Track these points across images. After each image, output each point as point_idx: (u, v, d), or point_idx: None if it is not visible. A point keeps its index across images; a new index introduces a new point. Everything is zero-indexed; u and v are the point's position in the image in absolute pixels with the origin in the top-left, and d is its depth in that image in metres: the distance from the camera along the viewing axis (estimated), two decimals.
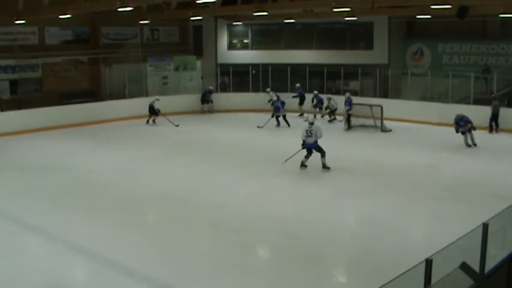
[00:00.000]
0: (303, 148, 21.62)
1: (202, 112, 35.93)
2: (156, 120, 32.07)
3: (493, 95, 30.15)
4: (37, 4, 27.09)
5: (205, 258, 13.35)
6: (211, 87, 36.20)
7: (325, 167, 21.45)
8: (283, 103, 31.24)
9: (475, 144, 25.73)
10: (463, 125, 25.76)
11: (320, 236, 14.75)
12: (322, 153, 21.41)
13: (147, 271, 12.46)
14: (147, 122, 32.28)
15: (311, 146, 21.49)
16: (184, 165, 22.79)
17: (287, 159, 21.85)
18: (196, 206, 17.29)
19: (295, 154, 21.76)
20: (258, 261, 13.98)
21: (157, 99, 32.08)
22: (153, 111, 32.08)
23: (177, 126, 29.99)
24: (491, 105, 29.06)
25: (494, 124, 29.00)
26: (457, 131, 25.88)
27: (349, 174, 21.34)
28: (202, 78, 38.59)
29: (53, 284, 11.91)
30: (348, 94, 31.60)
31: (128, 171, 21.72)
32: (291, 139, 25.04)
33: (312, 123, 21.63)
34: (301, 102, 35.35)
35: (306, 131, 21.43)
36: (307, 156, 21.57)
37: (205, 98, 35.73)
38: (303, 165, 21.59)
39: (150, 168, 22.33)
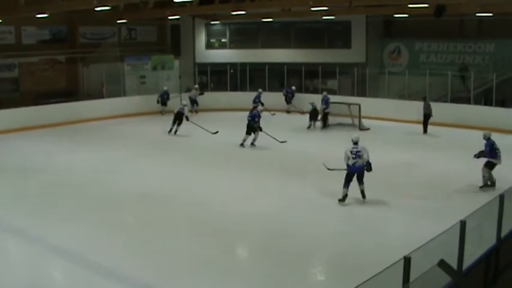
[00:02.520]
0: (349, 175, 17.15)
1: (163, 114, 35.04)
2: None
3: (424, 96, 30.19)
4: (13, 3, 26.90)
5: (186, 258, 13.28)
6: (165, 88, 35.57)
7: (363, 195, 17.38)
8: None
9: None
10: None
11: (302, 235, 14.76)
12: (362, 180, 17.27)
13: (128, 272, 12.42)
14: (170, 131, 29.28)
15: (359, 170, 17.11)
16: (165, 165, 22.73)
17: (332, 169, 18.85)
18: (177, 206, 17.25)
19: (339, 170, 17.93)
20: (240, 261, 14.01)
21: (185, 105, 29.71)
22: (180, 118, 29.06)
23: (215, 133, 28.28)
24: (423, 106, 29.10)
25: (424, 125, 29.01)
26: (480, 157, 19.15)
27: (329, 174, 21.35)
28: (180, 77, 38.46)
29: (32, 285, 11.84)
30: (324, 93, 31.63)
31: (107, 172, 21.58)
32: (270, 138, 25.17)
33: (356, 143, 17.24)
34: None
35: (351, 152, 17.03)
36: (348, 185, 17.17)
37: (164, 100, 35.11)
38: (344, 199, 17.26)
39: (130, 168, 22.21)
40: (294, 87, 36.04)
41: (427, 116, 29.05)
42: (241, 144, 25.55)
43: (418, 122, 30.36)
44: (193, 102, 34.69)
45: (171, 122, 28.70)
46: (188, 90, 37.81)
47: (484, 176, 18.48)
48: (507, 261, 10.63)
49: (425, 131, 28.93)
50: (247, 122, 25.75)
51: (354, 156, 16.94)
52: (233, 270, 12.70)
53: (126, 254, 13.41)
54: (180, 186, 19.50)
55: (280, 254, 13.50)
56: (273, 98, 35.45)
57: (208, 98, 36.42)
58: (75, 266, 12.93)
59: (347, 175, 17.10)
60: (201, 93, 34.04)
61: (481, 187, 18.41)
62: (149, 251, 13.64)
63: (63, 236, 14.61)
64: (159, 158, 23.97)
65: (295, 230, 15.16)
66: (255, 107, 30.39)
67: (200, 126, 27.74)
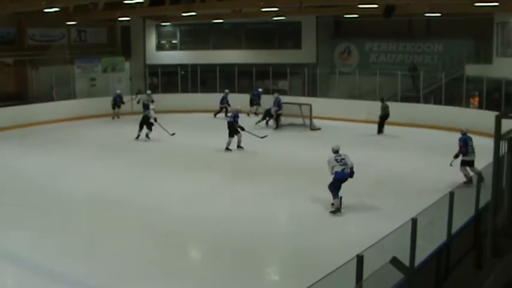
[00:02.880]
0: (338, 182, 16.64)
1: (114, 117, 34.72)
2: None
3: (381, 97, 30.49)
4: None
5: (138, 260, 13.16)
6: (118, 91, 35.14)
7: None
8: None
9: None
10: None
11: (253, 236, 14.78)
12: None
13: (79, 276, 12.26)
14: (137, 137, 28.27)
15: (348, 176, 16.71)
16: (116, 168, 22.52)
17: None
18: (128, 209, 17.11)
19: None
20: (193, 263, 13.98)
21: (153, 109, 28.56)
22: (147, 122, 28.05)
23: (172, 134, 27.51)
24: (380, 107, 29.34)
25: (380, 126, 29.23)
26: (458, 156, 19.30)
27: (281, 173, 21.42)
28: (130, 79, 38.23)
29: None
30: (276, 94, 31.72)
31: (57, 175, 21.26)
32: (223, 139, 25.12)
33: (337, 151, 16.91)
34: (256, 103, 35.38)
35: (336, 160, 16.70)
36: (338, 194, 16.67)
37: (117, 103, 34.68)
38: (339, 209, 16.59)
39: (80, 171, 21.93)
40: (260, 89, 35.70)
41: (384, 116, 29.22)
42: (227, 149, 25.05)
43: (368, 122, 30.61)
44: (145, 107, 34.06)
45: (124, 125, 28.45)
46: (139, 92, 37.57)
47: (464, 175, 18.65)
48: (458, 257, 10.74)
49: (380, 131, 29.07)
50: (228, 124, 25.42)
51: (340, 163, 16.59)
52: (185, 272, 12.65)
53: (77, 258, 13.22)
54: (131, 189, 19.33)
55: (233, 254, 13.50)
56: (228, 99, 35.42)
57: (159, 99, 36.25)
58: (25, 271, 12.75)
59: (335, 183, 16.62)
60: (153, 101, 33.29)
61: (464, 182, 18.47)
62: (100, 255, 13.50)
63: (13, 242, 14.40)
64: (110, 161, 23.72)
65: (247, 230, 15.16)
66: (222, 108, 30.50)
67: (162, 127, 27.22)
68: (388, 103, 30.21)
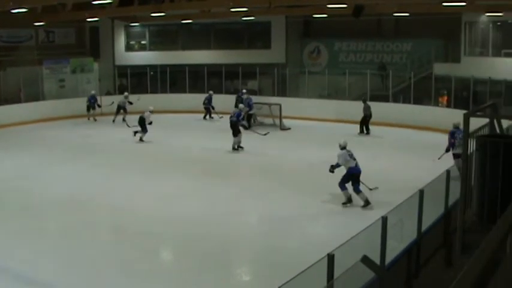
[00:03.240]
0: (352, 177, 16.91)
1: (89, 118, 34.21)
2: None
3: (363, 98, 30.68)
4: None
5: (108, 262, 13.12)
6: (93, 92, 34.79)
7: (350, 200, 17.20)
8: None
9: None
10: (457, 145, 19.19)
11: (224, 237, 14.74)
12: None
13: (50, 279, 12.16)
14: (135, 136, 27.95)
15: (359, 172, 17.05)
16: (84, 169, 22.31)
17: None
18: (98, 211, 17.01)
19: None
20: (162, 265, 13.86)
21: (151, 111, 28.07)
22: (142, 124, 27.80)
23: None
24: (363, 108, 29.46)
25: (365, 127, 29.29)
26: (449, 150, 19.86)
27: (252, 174, 21.43)
28: (99, 80, 38.01)
29: None
30: (246, 95, 31.74)
31: (26, 178, 20.95)
32: (193, 140, 25.09)
33: (345, 147, 17.13)
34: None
35: (349, 155, 16.99)
36: (345, 187, 17.09)
37: (92, 105, 34.02)
38: (349, 201, 17.07)
39: (49, 173, 21.68)
40: (245, 90, 34.45)
41: (366, 116, 29.35)
42: (234, 148, 25.02)
43: (338, 121, 30.76)
44: (121, 108, 33.60)
45: (94, 126, 28.24)
46: (108, 93, 37.41)
47: (459, 168, 18.56)
48: (428, 254, 10.80)
49: (361, 131, 29.08)
50: (230, 123, 25.29)
51: (352, 158, 16.93)
52: (155, 274, 12.58)
53: (47, 261, 13.09)
54: (100, 191, 19.20)
55: (203, 255, 13.48)
56: (195, 100, 35.38)
57: (136, 99, 36.15)
58: None
59: (348, 177, 16.92)
60: (130, 103, 32.93)
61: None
62: (70, 257, 13.35)
63: None
64: (79, 163, 23.45)
65: (217, 231, 15.11)
66: (206, 110, 30.38)
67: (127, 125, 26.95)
68: (358, 102, 30.36)
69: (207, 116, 34.16)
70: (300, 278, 7.52)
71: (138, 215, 16.49)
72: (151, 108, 28.04)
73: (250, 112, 30.91)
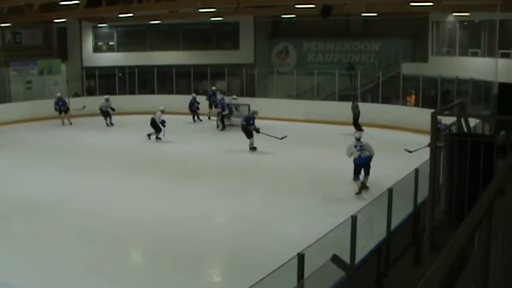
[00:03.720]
0: (357, 167, 18.26)
1: (64, 122, 33.29)
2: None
3: (352, 98, 30.94)
4: None
5: (77, 266, 12.97)
6: (59, 94, 33.95)
7: (366, 186, 18.35)
8: None
9: None
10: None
11: (195, 237, 14.71)
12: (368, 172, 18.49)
13: (17, 284, 11.98)
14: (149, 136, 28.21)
15: (365, 161, 18.27)
16: (53, 172, 22.00)
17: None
18: (66, 213, 16.78)
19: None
20: (133, 266, 13.80)
21: (162, 110, 28.14)
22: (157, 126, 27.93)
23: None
24: (351, 107, 29.68)
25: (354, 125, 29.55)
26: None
27: (222, 174, 21.41)
28: (67, 82, 37.75)
29: None
30: (219, 96, 31.72)
31: None
32: (163, 141, 25.00)
33: (359, 139, 18.61)
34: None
35: (355, 146, 18.35)
36: (358, 177, 18.33)
37: (60, 107, 33.09)
38: (360, 190, 18.06)
39: (17, 176, 21.33)
40: (214, 88, 34.87)
41: (355, 116, 29.64)
42: (252, 148, 25.11)
43: (307, 121, 30.87)
44: (104, 113, 32.78)
45: (62, 128, 27.99)
46: (76, 95, 37.17)
47: None
48: (397, 253, 10.86)
49: (358, 129, 29.35)
50: (241, 127, 25.37)
51: (358, 149, 18.24)
52: (125, 276, 12.51)
53: (15, 265, 12.95)
54: (69, 193, 18.93)
55: (174, 257, 13.43)
56: (163, 101, 35.28)
57: (97, 102, 35.92)
58: None
59: (355, 168, 18.26)
60: (112, 109, 32.05)
61: None
62: (39, 261, 13.20)
63: None
64: (47, 166, 23.14)
65: (189, 232, 15.08)
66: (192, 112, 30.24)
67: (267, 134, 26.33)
68: (326, 102, 30.52)
69: (195, 118, 33.83)
70: (271, 278, 7.53)
71: (109, 217, 16.36)
72: (161, 107, 28.19)
73: (224, 113, 30.84)
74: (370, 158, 18.22)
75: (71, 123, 32.91)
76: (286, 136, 25.23)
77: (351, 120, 29.24)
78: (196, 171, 21.95)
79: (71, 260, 13.26)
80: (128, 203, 17.77)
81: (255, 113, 26.13)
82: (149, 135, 27.50)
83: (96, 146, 26.78)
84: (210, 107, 33.43)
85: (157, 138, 27.42)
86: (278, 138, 25.06)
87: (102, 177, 21.20)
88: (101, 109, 32.17)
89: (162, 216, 16.37)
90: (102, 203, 17.80)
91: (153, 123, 27.45)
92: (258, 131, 24.94)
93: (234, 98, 32.70)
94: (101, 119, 31.72)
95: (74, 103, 33.86)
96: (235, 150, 25.33)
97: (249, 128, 25.01)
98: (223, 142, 27.12)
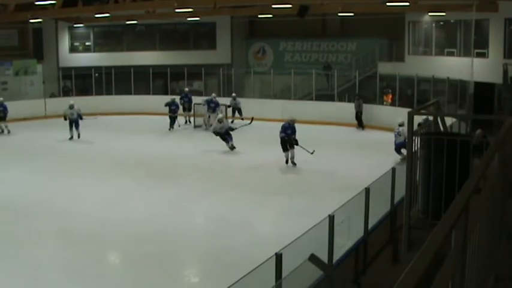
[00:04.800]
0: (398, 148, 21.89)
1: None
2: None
3: (356, 95, 31.33)
4: None
5: (54, 268, 12.90)
6: (1, 99, 31.81)
7: None
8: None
9: None
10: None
11: (172, 238, 14.70)
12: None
13: None
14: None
15: (399, 145, 21.71)
16: (27, 174, 21.69)
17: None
18: (42, 215, 16.64)
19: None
20: (110, 268, 13.73)
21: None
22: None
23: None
24: (355, 105, 30.28)
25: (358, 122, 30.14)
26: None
27: (198, 175, 21.36)
28: (44, 82, 37.48)
29: None
30: (213, 96, 31.60)
31: None
32: (139, 142, 24.91)
33: (401, 125, 21.27)
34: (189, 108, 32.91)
35: (396, 133, 22.12)
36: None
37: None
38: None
39: None
40: (187, 89, 34.10)
41: (358, 113, 30.53)
42: (292, 163, 22.22)
43: (284, 121, 30.93)
44: (72, 123, 31.57)
45: (36, 129, 27.75)
46: (53, 95, 36.93)
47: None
48: (375, 251, 10.91)
49: (361, 126, 30.55)
50: (281, 140, 22.23)
51: (395, 134, 22.08)
52: (102, 278, 12.43)
53: None
54: (43, 195, 18.77)
55: (152, 257, 13.38)
56: (140, 101, 35.21)
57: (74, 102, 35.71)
58: None
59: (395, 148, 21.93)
60: (80, 117, 29.69)
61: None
62: (14, 265, 13.09)
63: None
64: (19, 167, 22.83)
65: (166, 233, 15.06)
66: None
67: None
68: (303, 102, 30.62)
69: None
70: (249, 278, 7.53)
71: (84, 218, 16.24)
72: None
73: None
74: (402, 143, 20.83)
75: (9, 132, 30.68)
76: (314, 151, 22.53)
77: (327, 120, 29.40)
78: (172, 172, 21.87)
79: (47, 263, 13.20)
80: (103, 204, 17.69)
81: (293, 121, 22.96)
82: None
83: (68, 148, 26.46)
84: (184, 109, 32.69)
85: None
86: (309, 152, 22.44)
87: (75, 178, 20.99)
88: (65, 117, 28.62)
89: (139, 217, 16.31)
90: (77, 204, 17.67)
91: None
92: (296, 143, 22.37)
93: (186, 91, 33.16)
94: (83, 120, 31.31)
95: (50, 104, 33.66)
96: (211, 150, 25.28)
97: (290, 140, 22.23)
98: (199, 142, 27.08)
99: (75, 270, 12.71)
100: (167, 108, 30.97)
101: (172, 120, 30.65)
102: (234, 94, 33.16)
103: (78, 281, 12.14)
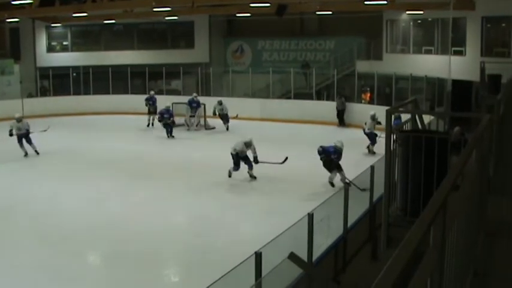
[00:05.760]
0: None
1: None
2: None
3: (339, 93, 31.44)
4: None
5: (33, 269, 12.82)
6: None
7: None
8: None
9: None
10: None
11: (151, 237, 14.67)
12: None
13: None
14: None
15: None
16: (3, 175, 21.50)
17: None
18: (19, 217, 16.62)
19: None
20: (89, 268, 13.68)
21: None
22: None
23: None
24: (337, 103, 30.33)
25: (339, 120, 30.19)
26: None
27: (177, 175, 21.31)
28: (21, 82, 37.26)
29: None
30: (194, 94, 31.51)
31: None
32: (117, 142, 24.83)
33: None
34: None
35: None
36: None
37: None
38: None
39: None
40: (152, 92, 33.17)
41: (341, 111, 30.69)
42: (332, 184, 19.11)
43: (263, 119, 30.98)
44: (19, 137, 30.02)
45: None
46: (30, 95, 36.72)
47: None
48: (354, 249, 10.95)
49: (343, 124, 30.61)
50: (323, 163, 19.16)
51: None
52: (82, 278, 12.40)
53: None
54: (21, 196, 18.60)
55: (131, 258, 13.36)
56: (118, 101, 35.09)
57: (51, 102, 35.53)
58: None
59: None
60: (28, 132, 25.01)
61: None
62: None
63: None
64: None
65: (145, 232, 15.01)
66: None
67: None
68: (281, 100, 30.72)
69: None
70: (228, 276, 7.54)
71: (64, 219, 16.17)
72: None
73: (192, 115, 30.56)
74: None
75: None
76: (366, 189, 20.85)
77: (305, 118, 29.48)
78: (151, 172, 21.81)
79: (27, 264, 13.11)
80: (81, 205, 17.60)
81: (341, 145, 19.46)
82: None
83: (44, 148, 26.10)
84: (149, 112, 31.60)
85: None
86: (360, 189, 20.64)
87: (53, 179, 20.89)
88: (10, 132, 24.87)
89: (118, 217, 16.30)
90: (56, 206, 17.60)
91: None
92: (339, 167, 19.27)
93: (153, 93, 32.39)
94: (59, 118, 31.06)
95: (27, 104, 33.46)
96: (187, 149, 25.24)
97: (333, 163, 19.19)
98: (180, 142, 27.05)
99: (56, 270, 12.65)
100: (147, 107, 30.90)
101: (168, 127, 28.63)
102: (219, 99, 31.09)
103: (53, 281, 12.07)
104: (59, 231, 15.22)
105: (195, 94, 31.72)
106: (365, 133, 24.22)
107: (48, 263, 13.14)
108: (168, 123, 28.37)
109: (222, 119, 30.52)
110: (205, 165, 22.36)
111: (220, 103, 30.55)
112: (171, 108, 29.23)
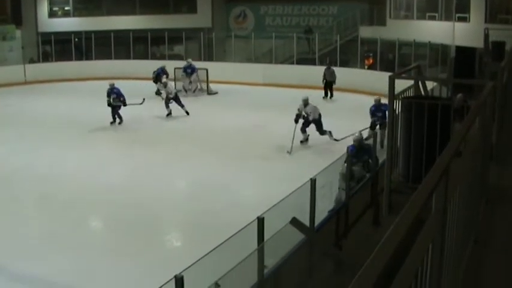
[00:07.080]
0: None
1: None
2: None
3: (327, 63, 31.11)
4: None
5: (37, 235, 12.91)
6: None
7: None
8: None
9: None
10: (380, 116, 19.03)
11: (152, 203, 14.71)
12: None
13: None
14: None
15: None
16: (3, 141, 21.43)
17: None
18: (21, 182, 16.62)
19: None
20: (90, 234, 13.72)
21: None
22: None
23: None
24: (327, 73, 29.84)
25: (329, 91, 29.61)
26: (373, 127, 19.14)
27: (179, 140, 21.33)
28: (23, 48, 37.13)
29: None
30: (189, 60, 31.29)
31: None
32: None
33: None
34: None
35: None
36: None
37: None
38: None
39: None
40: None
41: (329, 82, 29.62)
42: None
43: (265, 85, 30.92)
44: None
45: (15, 95, 27.49)
46: (32, 61, 36.63)
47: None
48: (356, 215, 10.97)
49: (326, 95, 29.46)
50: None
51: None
52: (86, 244, 12.46)
53: None
54: (21, 163, 18.61)
55: (133, 223, 13.42)
56: (121, 66, 34.98)
57: (53, 68, 35.44)
58: None
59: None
60: None
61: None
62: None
63: None
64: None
65: (145, 198, 15.07)
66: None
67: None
68: (284, 65, 30.59)
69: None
70: (230, 241, 7.57)
71: (64, 185, 16.24)
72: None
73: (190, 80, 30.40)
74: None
75: None
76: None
77: (308, 84, 29.39)
78: (150, 137, 21.81)
79: (29, 230, 13.18)
80: (83, 170, 17.68)
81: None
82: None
83: (48, 114, 26.10)
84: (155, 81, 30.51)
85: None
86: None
87: (55, 145, 20.88)
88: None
89: (118, 183, 16.34)
90: (57, 171, 17.65)
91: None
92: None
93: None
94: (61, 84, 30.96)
95: (29, 69, 33.40)
96: (191, 115, 25.16)
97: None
98: (175, 107, 27.02)
99: (55, 237, 12.71)
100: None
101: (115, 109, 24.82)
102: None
103: (57, 247, 12.15)
104: (60, 196, 15.29)
105: (189, 60, 31.51)
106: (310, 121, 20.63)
107: (50, 229, 13.22)
108: (116, 104, 24.36)
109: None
110: (206, 131, 22.34)
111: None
112: (165, 68, 29.80)
